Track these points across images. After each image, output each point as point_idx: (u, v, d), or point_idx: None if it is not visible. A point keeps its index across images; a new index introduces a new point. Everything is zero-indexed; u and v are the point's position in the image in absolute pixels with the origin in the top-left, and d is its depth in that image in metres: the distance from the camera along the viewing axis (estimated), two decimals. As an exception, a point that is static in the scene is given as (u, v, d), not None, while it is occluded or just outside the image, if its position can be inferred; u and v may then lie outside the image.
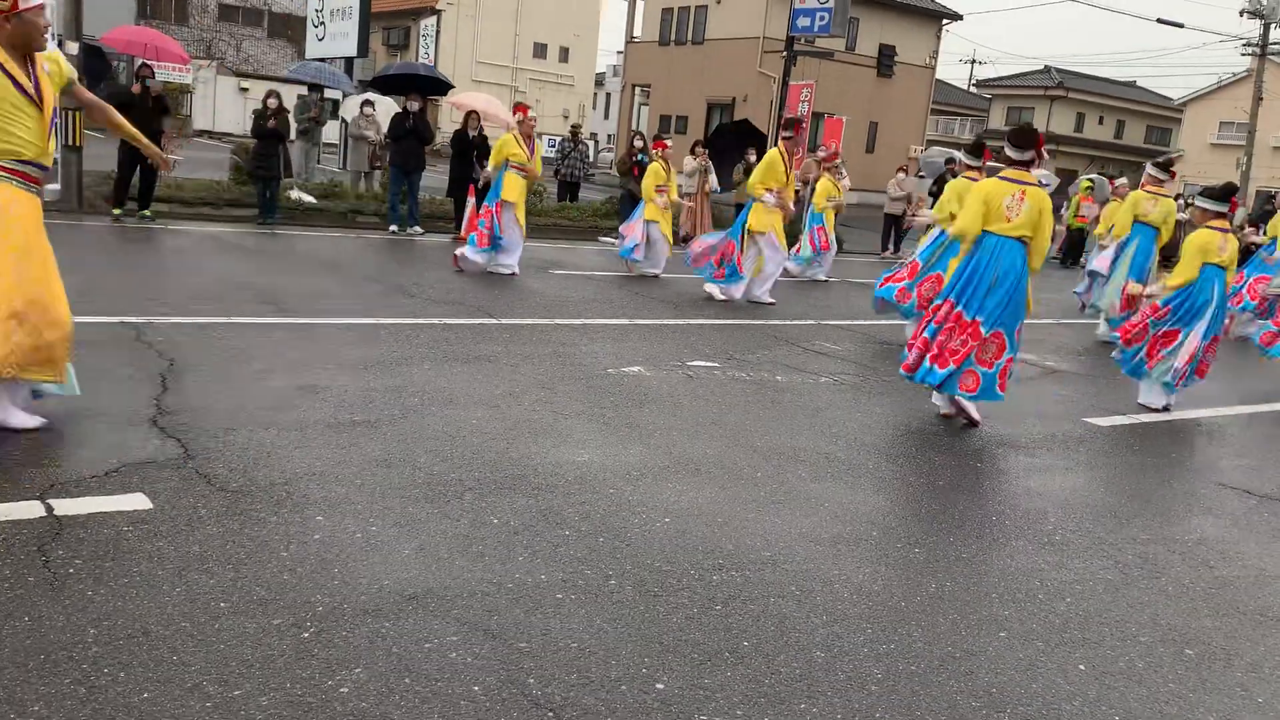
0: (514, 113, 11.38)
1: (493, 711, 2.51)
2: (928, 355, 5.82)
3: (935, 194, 18.13)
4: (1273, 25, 32.82)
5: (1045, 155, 6.22)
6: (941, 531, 4.10)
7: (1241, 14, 32.07)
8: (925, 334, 5.88)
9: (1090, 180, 21.76)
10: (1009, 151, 5.85)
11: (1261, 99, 33.98)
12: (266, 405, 4.85)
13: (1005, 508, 4.50)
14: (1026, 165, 5.83)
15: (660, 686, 2.71)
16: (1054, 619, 3.40)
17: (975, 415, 5.91)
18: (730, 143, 19.25)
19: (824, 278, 13.31)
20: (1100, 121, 52.43)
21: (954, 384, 5.76)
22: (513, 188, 10.49)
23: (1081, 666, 3.08)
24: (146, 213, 11.39)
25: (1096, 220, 20.24)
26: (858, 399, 6.26)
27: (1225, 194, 7.01)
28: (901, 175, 18.52)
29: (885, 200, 18.41)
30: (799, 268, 13.28)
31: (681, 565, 3.48)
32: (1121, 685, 2.99)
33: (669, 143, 12.24)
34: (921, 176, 19.00)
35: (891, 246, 17.97)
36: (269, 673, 2.58)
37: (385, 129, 14.61)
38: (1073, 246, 20.05)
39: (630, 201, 14.61)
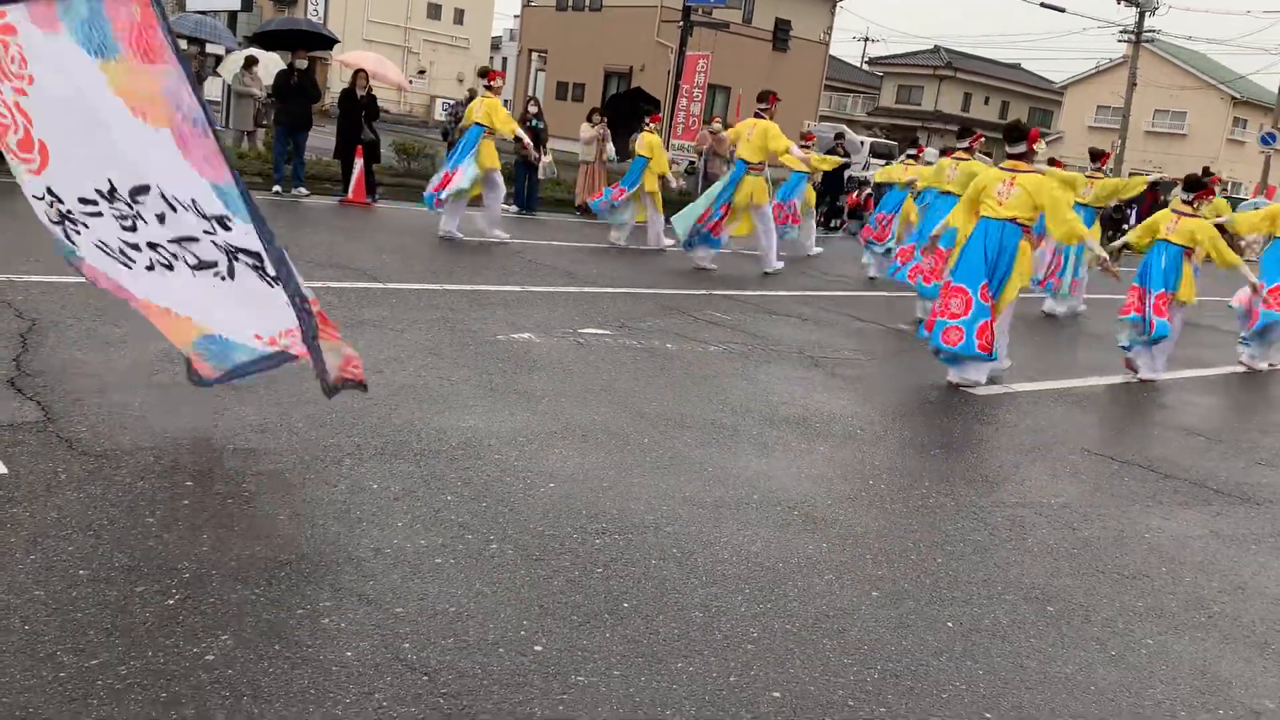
0: (489, 78, 11.38)
1: (365, 676, 2.47)
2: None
3: (829, 172, 18.42)
4: (1147, 13, 34.21)
5: (1037, 148, 6.99)
6: (819, 495, 4.18)
7: (1119, 0, 33.32)
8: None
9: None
10: (1006, 146, 6.71)
11: (1135, 84, 35.46)
12: (134, 368, 4.66)
13: (880, 472, 4.61)
14: (1022, 156, 6.65)
15: (538, 648, 2.70)
16: (925, 579, 3.51)
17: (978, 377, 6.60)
18: (625, 111, 19.21)
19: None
20: (986, 102, 53.93)
21: (937, 337, 6.46)
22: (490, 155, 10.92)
23: (950, 624, 3.19)
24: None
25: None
26: (745, 367, 6.34)
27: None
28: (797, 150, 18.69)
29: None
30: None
31: (564, 529, 3.48)
32: (987, 641, 3.10)
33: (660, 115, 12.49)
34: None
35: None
36: (130, 641, 2.48)
37: (269, 86, 14.12)
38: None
39: (525, 167, 14.46)
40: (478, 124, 10.96)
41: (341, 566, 3.00)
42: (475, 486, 3.75)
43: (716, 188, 11.01)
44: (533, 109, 15.00)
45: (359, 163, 12.88)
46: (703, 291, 9.28)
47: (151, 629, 2.54)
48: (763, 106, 11.01)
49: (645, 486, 3.99)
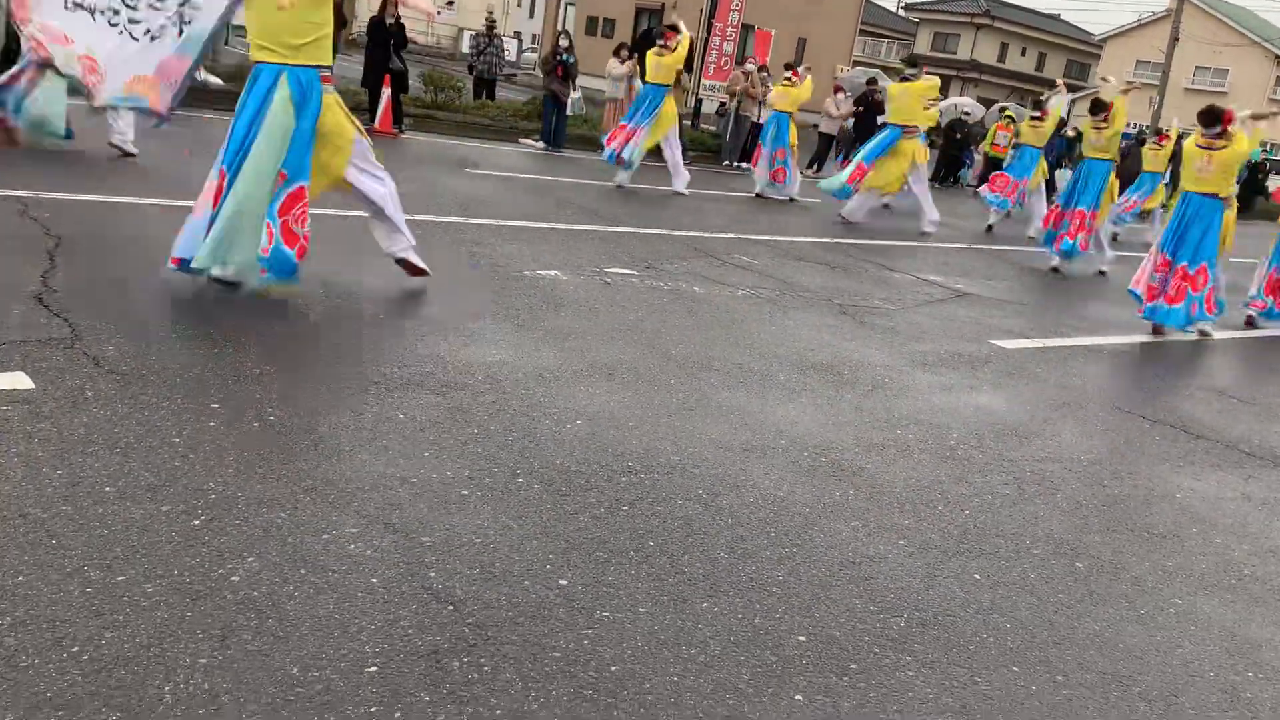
0: (665, 38, 11.65)
1: (391, 604, 2.45)
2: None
3: (857, 115, 18.16)
4: (1195, -34, 33.24)
5: (1231, 128, 7.40)
6: (846, 442, 4.14)
7: (1166, -47, 32.38)
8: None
9: (1010, 110, 22.01)
10: (1201, 130, 7.36)
11: (1178, 39, 34.60)
12: (163, 288, 4.63)
13: (910, 422, 4.56)
14: (1218, 137, 7.32)
15: (564, 583, 2.68)
16: (952, 530, 3.47)
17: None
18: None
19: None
20: (1023, 53, 52.91)
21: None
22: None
23: (977, 576, 3.15)
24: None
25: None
26: (773, 313, 6.26)
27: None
28: (840, 95, 18.39)
29: (821, 119, 18.31)
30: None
31: (590, 467, 3.45)
32: (1014, 595, 3.07)
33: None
34: (848, 97, 18.88)
35: (826, 165, 17.93)
36: (155, 559, 2.47)
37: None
38: (988, 175, 20.30)
39: (553, 102, 14.28)
40: (657, 84, 11.36)
41: (368, 494, 2.98)
42: (502, 421, 3.72)
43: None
44: (563, 43, 14.77)
45: (386, 92, 12.74)
46: (730, 235, 9.17)
47: (177, 548, 2.54)
48: (913, 71, 11.79)
49: (672, 427, 3.95)
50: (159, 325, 4.15)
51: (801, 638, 2.62)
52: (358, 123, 5.10)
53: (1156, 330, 7.60)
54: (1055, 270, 10.44)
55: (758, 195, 12.81)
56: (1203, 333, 7.83)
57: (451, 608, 2.48)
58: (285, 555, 2.59)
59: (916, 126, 11.55)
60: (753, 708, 2.29)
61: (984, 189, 14.08)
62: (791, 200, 12.71)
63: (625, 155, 11.21)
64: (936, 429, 4.53)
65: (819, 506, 3.46)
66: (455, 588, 2.57)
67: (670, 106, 11.57)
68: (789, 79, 13.17)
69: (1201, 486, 4.36)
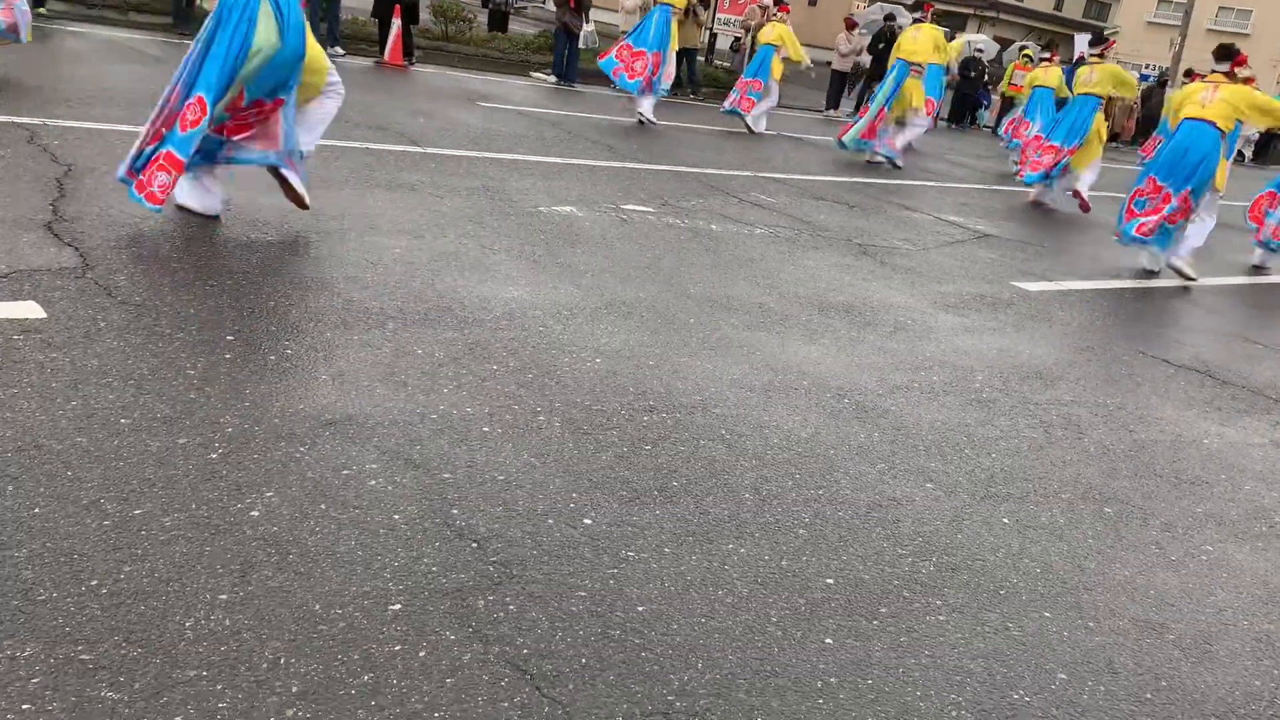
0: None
1: (414, 540, 2.41)
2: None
3: (875, 52, 17.80)
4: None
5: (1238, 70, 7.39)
6: (871, 384, 4.07)
7: (1195, -112, 31.50)
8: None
9: (1029, 50, 21.57)
10: (1214, 65, 7.33)
11: (1203, -21, 33.77)
12: (174, 220, 4.54)
13: (934, 364, 4.48)
14: (1226, 75, 7.26)
15: (588, 522, 2.63)
16: (980, 474, 3.41)
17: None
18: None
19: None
20: (1043, -9, 51.72)
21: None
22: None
23: (1005, 520, 3.10)
24: (41, 9, 10.50)
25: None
26: (792, 252, 6.16)
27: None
28: (851, 32, 18.02)
29: (834, 57, 17.96)
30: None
31: (611, 405, 3.38)
32: (1044, 539, 3.01)
33: None
34: (862, 34, 18.51)
35: (842, 104, 17.61)
36: (173, 493, 2.42)
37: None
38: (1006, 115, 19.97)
39: (565, 35, 14.01)
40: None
41: (388, 430, 2.92)
42: (521, 357, 3.65)
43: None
44: (576, -26, 14.43)
45: (396, 23, 12.50)
46: (747, 173, 9.02)
47: (195, 482, 2.49)
48: (918, 16, 11.63)
49: (692, 367, 3.88)
50: (171, 256, 4.07)
51: (830, 580, 2.58)
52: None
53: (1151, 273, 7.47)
54: (1036, 205, 10.36)
55: (750, 131, 12.51)
56: (1181, 273, 7.51)
57: (475, 545, 2.43)
58: (305, 490, 2.54)
59: (921, 65, 11.23)
60: (782, 650, 2.25)
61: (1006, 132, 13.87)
62: (750, 132, 12.32)
63: (657, 86, 11.05)
64: (961, 371, 4.45)
65: (844, 449, 3.40)
66: (478, 525, 2.52)
67: (675, 28, 11.37)
68: (777, 13, 12.89)
69: (1229, 433, 4.29)
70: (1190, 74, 14.80)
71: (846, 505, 3.00)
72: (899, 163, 11.20)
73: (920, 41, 11.24)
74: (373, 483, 2.63)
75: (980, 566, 2.79)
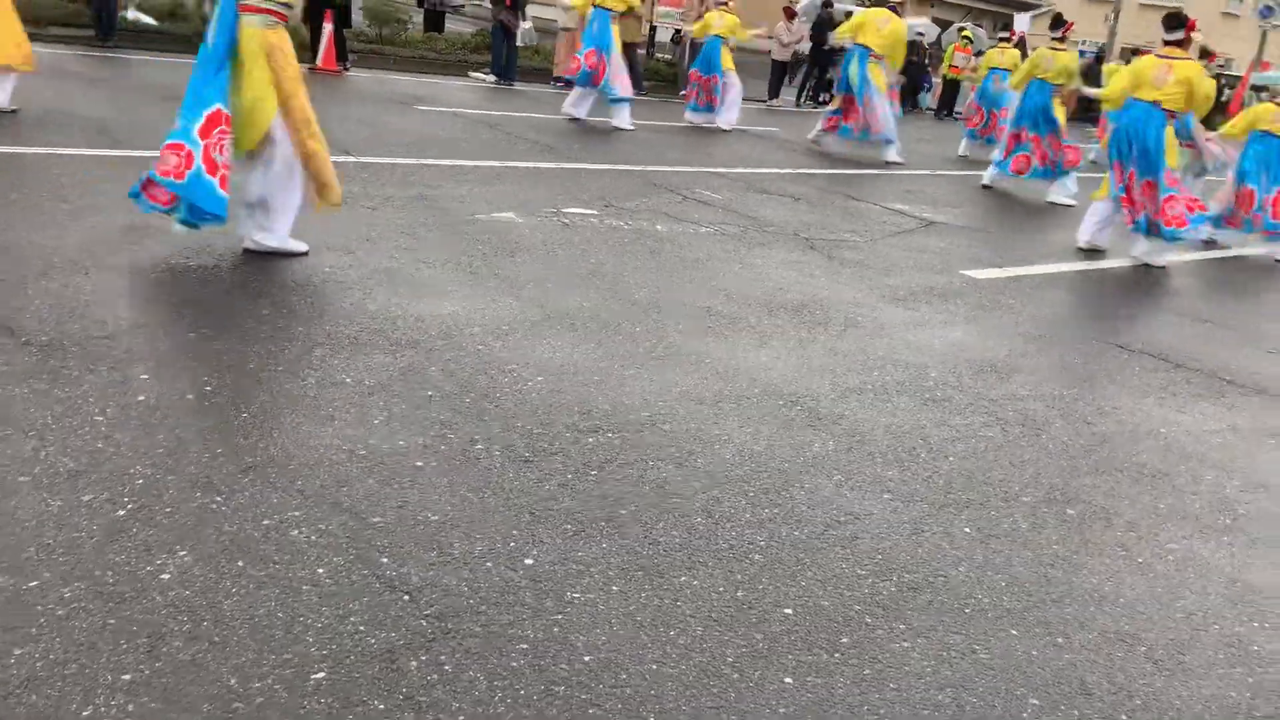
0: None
1: (340, 597, 2.23)
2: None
3: (814, 40, 17.72)
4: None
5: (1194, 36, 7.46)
6: (823, 388, 3.94)
7: None
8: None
9: (968, 30, 21.65)
10: (1163, 34, 7.24)
11: (1134, -46, 34.17)
12: (87, 246, 4.31)
13: (886, 362, 4.37)
14: (1179, 44, 7.18)
15: (529, 562, 2.47)
16: (938, 479, 3.30)
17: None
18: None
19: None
20: (977, -30, 52.14)
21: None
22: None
23: (967, 529, 2.99)
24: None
25: (974, 70, 20.28)
26: (739, 250, 6.02)
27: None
28: (792, 21, 17.92)
29: (773, 46, 17.85)
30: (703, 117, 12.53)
31: (555, 427, 3.22)
32: (1007, 548, 2.90)
33: None
34: (803, 22, 18.41)
35: (781, 93, 17.51)
36: (75, 558, 2.23)
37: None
38: (948, 98, 20.03)
39: (502, 33, 13.78)
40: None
41: (313, 470, 2.74)
42: (457, 380, 3.48)
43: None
44: (511, -29, 14.19)
45: (328, 28, 12.19)
46: (690, 168, 8.88)
47: (100, 544, 2.29)
48: (898, 2, 11.35)
49: (640, 380, 3.73)
50: (81, 289, 3.84)
51: (788, 610, 2.44)
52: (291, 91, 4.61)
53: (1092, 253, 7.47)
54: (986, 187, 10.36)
55: (695, 125, 12.38)
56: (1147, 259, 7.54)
57: (407, 597, 2.26)
58: (221, 546, 2.35)
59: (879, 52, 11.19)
60: (740, 695, 2.11)
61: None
62: (722, 130, 12.21)
63: (608, 90, 10.82)
64: (914, 369, 4.35)
65: (798, 461, 3.27)
66: (410, 574, 2.35)
67: (616, 31, 11.12)
68: (724, 3, 12.76)
69: (1186, 420, 4.23)
70: (1138, 52, 14.82)
71: (803, 524, 2.87)
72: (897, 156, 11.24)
73: (885, 35, 11.04)
74: (295, 533, 2.45)
75: (943, 583, 2.67)
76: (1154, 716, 2.25)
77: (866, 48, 10.98)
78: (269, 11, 4.49)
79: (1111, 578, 2.83)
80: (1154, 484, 3.53)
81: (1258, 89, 16.83)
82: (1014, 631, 2.50)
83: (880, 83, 10.94)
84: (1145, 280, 7.09)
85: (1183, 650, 2.53)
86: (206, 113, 4.21)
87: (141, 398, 3.03)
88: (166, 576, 2.22)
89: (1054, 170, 10.06)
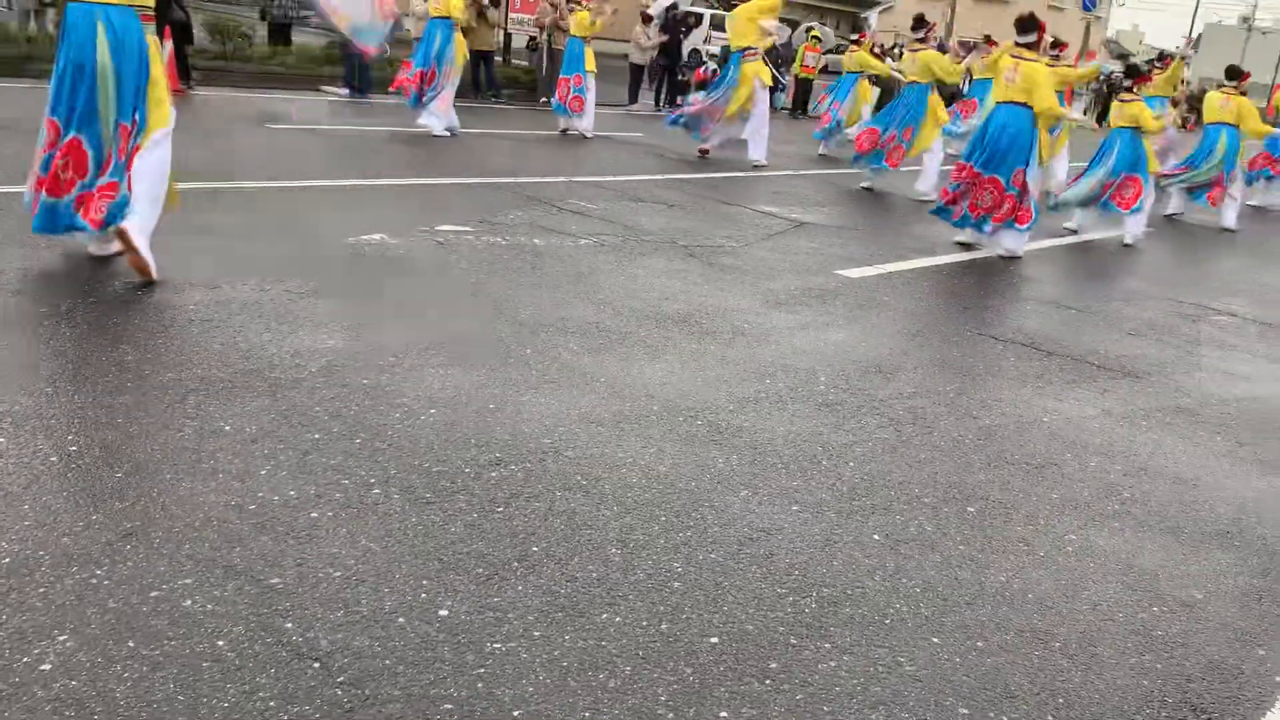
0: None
1: (244, 670, 2.08)
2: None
3: (663, 43, 17.82)
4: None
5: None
6: (719, 400, 3.93)
7: None
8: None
9: (816, 30, 22.19)
10: (1016, 37, 7.53)
11: (966, -48, 35.70)
12: (-81, 298, 3.96)
13: (776, 369, 4.39)
14: (1030, 46, 7.48)
15: (444, 613, 2.36)
16: (841, 486, 3.32)
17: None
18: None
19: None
20: (821, -30, 53.61)
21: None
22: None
23: (876, 536, 3.01)
24: None
25: (825, 70, 20.77)
26: (620, 261, 5.98)
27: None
28: (649, 25, 17.97)
29: (632, 50, 17.88)
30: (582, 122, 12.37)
31: (454, 464, 3.10)
32: (917, 553, 2.93)
33: None
34: (658, 24, 18.51)
35: (640, 96, 17.56)
36: (-62, 657, 2.01)
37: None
38: (801, 97, 20.47)
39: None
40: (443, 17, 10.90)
41: (200, 532, 2.56)
42: (345, 420, 3.32)
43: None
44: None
45: (169, 46, 11.58)
46: (562, 178, 8.80)
47: (-34, 637, 2.08)
48: None
49: (536, 405, 3.64)
50: (-81, 344, 3.52)
51: (714, 639, 2.40)
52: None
53: (966, 246, 7.72)
54: (868, 189, 10.58)
55: (564, 132, 12.32)
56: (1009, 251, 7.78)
57: (317, 665, 2.12)
58: (107, 626, 2.16)
59: (755, 49, 11.20)
60: (677, 736, 2.05)
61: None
62: (584, 136, 12.20)
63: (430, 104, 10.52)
64: (803, 374, 4.38)
65: (704, 478, 3.24)
66: (318, 639, 2.21)
67: (460, 43, 10.84)
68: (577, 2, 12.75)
69: (1064, 407, 4.38)
70: (989, 40, 15.35)
71: (717, 545, 2.83)
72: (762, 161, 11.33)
73: (740, 22, 11.05)
74: (188, 603, 2.27)
75: (861, 595, 2.67)
76: (1078, 714, 2.29)
77: (736, 50, 11.10)
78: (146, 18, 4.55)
79: (1018, 574, 2.89)
80: (1043, 474, 3.63)
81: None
82: (935, 639, 2.51)
83: (744, 88, 11.08)
84: (1004, 269, 7.36)
85: (1093, 643, 2.59)
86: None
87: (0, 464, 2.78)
88: (47, 667, 2.02)
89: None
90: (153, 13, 4.61)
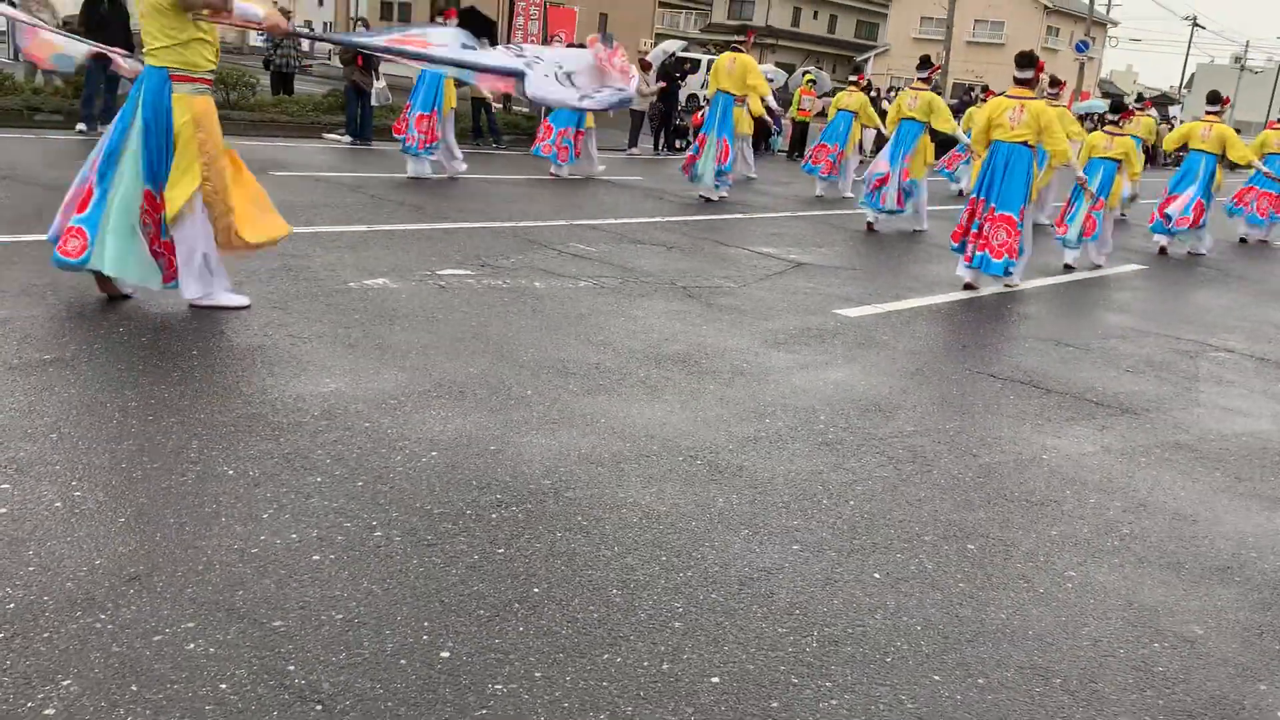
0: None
1: (248, 713, 2.09)
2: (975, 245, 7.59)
3: (663, 89, 18.04)
4: (968, -75, 34.80)
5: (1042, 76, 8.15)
6: (719, 440, 3.95)
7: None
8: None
9: (812, 74, 22.46)
10: (1015, 72, 7.57)
11: (959, -4, 36.21)
12: (-75, 346, 3.99)
13: (776, 408, 4.42)
14: (1028, 83, 7.52)
15: (445, 655, 2.37)
16: (841, 525, 3.33)
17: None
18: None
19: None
20: (815, 16, 54.50)
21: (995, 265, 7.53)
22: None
23: (876, 575, 3.02)
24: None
25: (823, 114, 20.98)
26: (619, 302, 6.03)
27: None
28: (648, 73, 18.19)
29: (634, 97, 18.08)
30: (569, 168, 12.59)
31: (455, 505, 3.12)
32: (918, 591, 2.94)
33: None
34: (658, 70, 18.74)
35: (639, 141, 17.74)
36: (-58, 703, 2.02)
37: (62, 12, 12.66)
38: (798, 140, 20.66)
39: (355, 93, 13.59)
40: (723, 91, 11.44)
41: (203, 575, 2.57)
42: (347, 463, 3.34)
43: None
44: (361, 30, 14.02)
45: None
46: (562, 221, 8.88)
47: (-30, 683, 2.09)
48: (740, 40, 11.72)
49: (537, 446, 3.66)
50: (-75, 392, 3.55)
51: (715, 679, 2.40)
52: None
53: (968, 286, 7.74)
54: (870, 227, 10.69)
55: (553, 175, 12.48)
56: (1009, 284, 7.91)
57: (320, 708, 2.13)
58: (110, 670, 2.17)
59: (745, 96, 11.56)
60: (679, 776, 2.06)
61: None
62: (564, 175, 12.42)
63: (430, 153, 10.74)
64: (803, 413, 4.40)
65: (704, 518, 3.25)
66: (321, 680, 2.22)
67: (450, 87, 11.06)
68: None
69: (1063, 444, 4.40)
70: (987, 90, 15.60)
71: (718, 584, 2.84)
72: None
73: (735, 75, 11.31)
74: (191, 646, 2.28)
75: (862, 634, 2.68)
76: (1079, 750, 2.29)
77: (727, 93, 11.29)
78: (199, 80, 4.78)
79: (1018, 611, 2.90)
80: (1043, 511, 3.64)
81: (1083, 117, 17.94)
82: (936, 677, 2.52)
83: (741, 128, 11.29)
84: (1001, 307, 7.41)
85: (1094, 679, 2.59)
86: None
87: (4, 510, 2.79)
88: (51, 711, 2.03)
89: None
90: (189, 73, 4.69)
